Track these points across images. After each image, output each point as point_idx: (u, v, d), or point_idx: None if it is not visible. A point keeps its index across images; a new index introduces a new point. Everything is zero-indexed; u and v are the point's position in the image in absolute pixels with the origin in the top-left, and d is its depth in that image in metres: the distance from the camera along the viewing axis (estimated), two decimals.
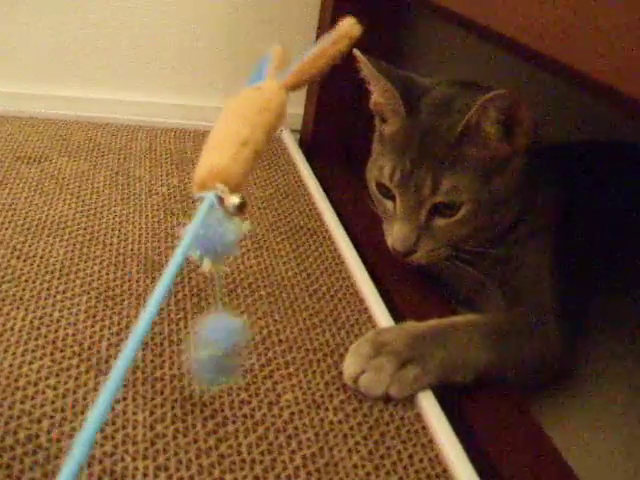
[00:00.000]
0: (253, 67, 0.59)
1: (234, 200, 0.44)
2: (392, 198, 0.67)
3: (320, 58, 0.56)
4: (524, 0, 0.52)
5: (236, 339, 0.45)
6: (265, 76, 0.56)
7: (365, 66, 0.67)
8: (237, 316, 0.46)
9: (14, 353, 0.54)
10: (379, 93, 0.68)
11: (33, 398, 0.50)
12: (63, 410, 0.49)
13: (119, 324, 0.59)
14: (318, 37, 1.04)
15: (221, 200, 0.44)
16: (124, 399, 0.51)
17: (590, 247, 0.74)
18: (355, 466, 0.48)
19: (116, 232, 0.75)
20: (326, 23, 1.01)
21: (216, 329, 0.45)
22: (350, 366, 0.56)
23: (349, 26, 0.56)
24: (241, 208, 0.44)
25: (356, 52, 0.66)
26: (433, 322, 0.61)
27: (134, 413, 0.50)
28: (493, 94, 0.60)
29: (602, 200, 0.78)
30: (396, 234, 0.66)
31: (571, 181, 0.73)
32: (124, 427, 0.48)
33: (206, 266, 0.44)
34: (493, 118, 0.61)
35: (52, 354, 0.55)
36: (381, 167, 0.67)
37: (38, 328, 0.57)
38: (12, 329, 0.57)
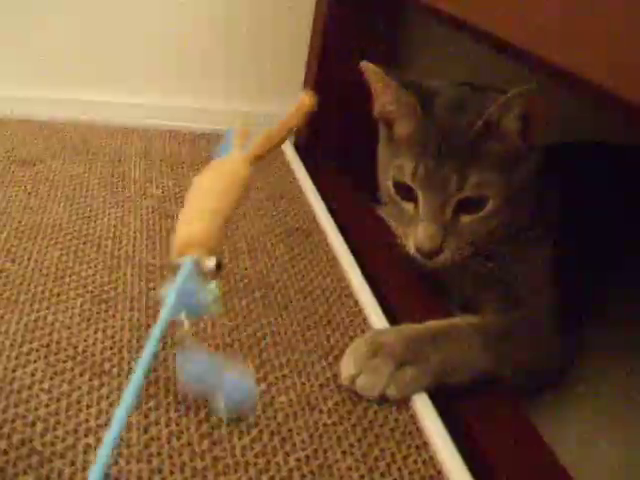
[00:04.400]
0: (221, 142, 0.65)
1: (210, 262, 0.50)
2: (412, 199, 0.66)
3: (280, 131, 0.62)
4: (520, 2, 0.52)
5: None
6: (231, 149, 0.62)
7: (376, 75, 0.67)
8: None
9: (8, 356, 0.54)
10: (389, 100, 0.67)
11: (27, 401, 0.49)
12: (57, 413, 0.49)
13: (113, 327, 0.59)
14: (313, 37, 1.05)
15: (199, 264, 0.50)
16: (118, 402, 0.51)
17: (589, 249, 0.74)
18: (349, 468, 0.48)
19: (110, 235, 0.74)
20: (321, 24, 1.01)
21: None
22: (347, 367, 0.56)
23: (307, 100, 0.63)
24: (218, 269, 0.50)
25: (364, 63, 0.66)
26: (431, 324, 0.61)
27: (128, 416, 0.50)
28: (517, 91, 0.60)
29: (602, 202, 0.78)
30: (422, 234, 0.64)
31: (571, 182, 0.73)
32: None
33: (187, 325, 0.48)
34: (515, 114, 0.62)
35: (46, 357, 0.54)
36: (400, 167, 0.66)
37: (32, 331, 0.57)
38: (6, 332, 0.56)
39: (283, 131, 0.62)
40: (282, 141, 0.63)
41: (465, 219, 0.64)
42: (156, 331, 0.45)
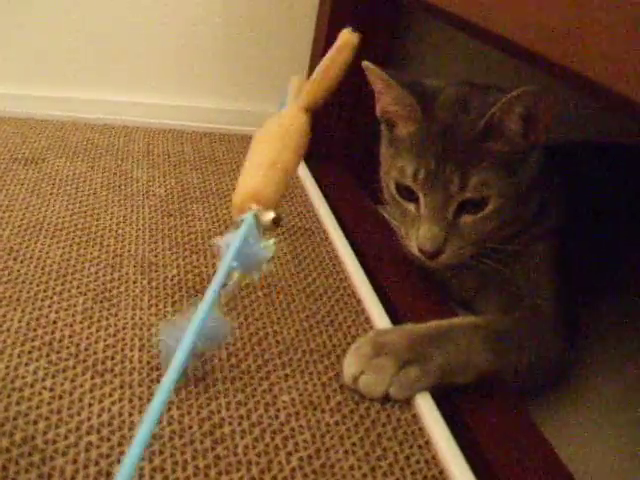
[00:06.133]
0: (279, 101, 0.65)
1: (268, 216, 0.49)
2: (414, 200, 0.66)
3: (329, 70, 0.60)
4: (522, 1, 0.52)
5: None
6: (287, 104, 0.62)
7: (377, 76, 0.66)
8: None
9: (10, 354, 0.54)
10: (391, 100, 0.67)
11: (29, 399, 0.49)
12: (59, 412, 0.49)
13: (115, 325, 0.59)
14: (315, 39, 1.05)
15: (257, 218, 0.50)
16: (120, 400, 0.51)
17: (591, 250, 0.74)
18: (352, 467, 0.48)
19: (113, 233, 0.74)
20: (324, 23, 1.01)
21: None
22: (350, 366, 0.56)
23: (348, 35, 0.59)
24: (276, 222, 0.49)
25: (366, 63, 0.66)
26: (433, 323, 0.61)
27: (130, 414, 0.50)
28: (520, 91, 0.60)
29: (604, 201, 0.78)
30: (424, 234, 0.64)
31: (573, 182, 0.73)
32: (120, 429, 0.48)
33: (236, 277, 0.48)
34: (517, 114, 0.62)
35: (48, 355, 0.54)
36: (402, 168, 0.66)
37: (34, 329, 0.57)
38: (8, 330, 0.56)
39: (331, 70, 0.59)
40: (334, 81, 0.60)
41: (467, 219, 0.64)
42: (216, 281, 0.44)
